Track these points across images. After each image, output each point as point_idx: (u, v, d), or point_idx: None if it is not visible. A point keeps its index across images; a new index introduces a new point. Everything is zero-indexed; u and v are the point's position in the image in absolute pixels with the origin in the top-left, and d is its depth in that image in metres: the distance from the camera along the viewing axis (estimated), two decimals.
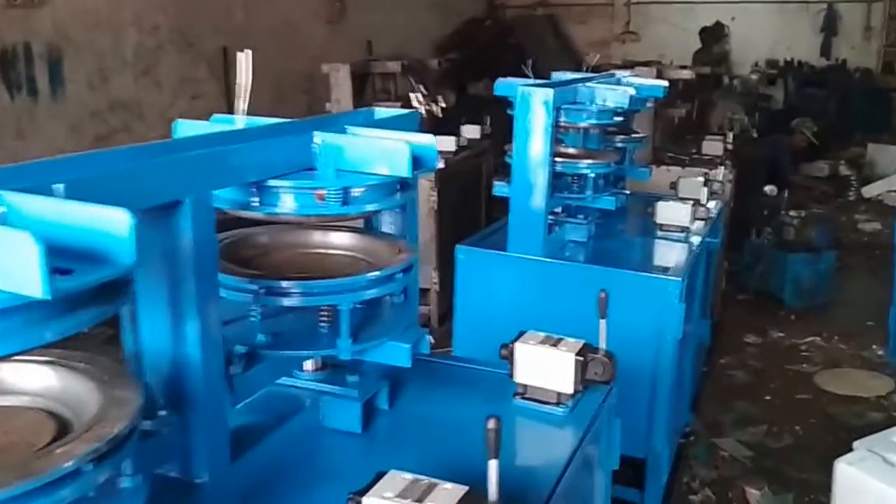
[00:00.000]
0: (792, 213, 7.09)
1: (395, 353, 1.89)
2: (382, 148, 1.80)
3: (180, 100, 9.17)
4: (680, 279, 3.39)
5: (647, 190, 5.06)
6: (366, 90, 6.41)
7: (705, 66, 9.69)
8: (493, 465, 1.37)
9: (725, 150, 6.93)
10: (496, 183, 3.84)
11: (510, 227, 3.59)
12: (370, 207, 1.83)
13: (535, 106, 3.43)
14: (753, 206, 7.31)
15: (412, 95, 6.18)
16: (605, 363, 2.10)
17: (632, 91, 3.81)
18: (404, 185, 1.88)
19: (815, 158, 12.43)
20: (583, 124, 3.77)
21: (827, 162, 12.67)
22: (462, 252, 3.69)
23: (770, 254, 7.04)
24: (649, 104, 4.76)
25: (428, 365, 2.33)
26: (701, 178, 4.70)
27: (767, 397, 5.23)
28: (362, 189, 1.80)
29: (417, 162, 1.85)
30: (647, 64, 7.28)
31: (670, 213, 4.15)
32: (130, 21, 8.27)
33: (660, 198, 4.35)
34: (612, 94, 3.75)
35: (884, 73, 14.92)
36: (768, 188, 7.13)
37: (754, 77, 12.52)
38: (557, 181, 3.77)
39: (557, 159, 3.71)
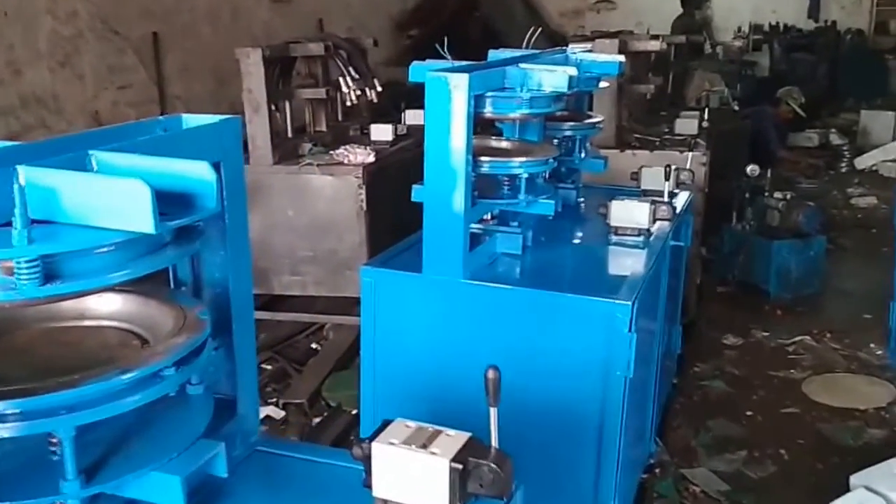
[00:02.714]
0: (777, 194, 6.52)
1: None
2: (107, 191, 1.21)
3: (105, 91, 8.54)
4: (629, 303, 2.81)
5: (609, 181, 4.50)
6: (292, 76, 5.80)
7: (685, 33, 9.06)
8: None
9: (701, 127, 6.35)
10: (415, 187, 3.24)
11: (424, 242, 3.01)
12: (96, 283, 1.24)
13: (447, 95, 2.84)
14: (734, 189, 6.73)
15: (341, 80, 5.57)
16: (496, 472, 1.52)
17: (572, 71, 3.21)
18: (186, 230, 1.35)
19: (804, 128, 11.85)
20: (514, 115, 3.17)
21: (816, 131, 12.11)
22: (368, 274, 3.11)
23: (752, 241, 6.48)
24: (604, 83, 4.16)
25: (263, 460, 1.78)
26: (671, 166, 4.14)
27: (748, 412, 4.68)
28: (89, 253, 1.22)
29: (183, 201, 1.28)
30: (614, 35, 6.64)
31: (626, 213, 3.59)
32: (44, 9, 7.59)
33: (615, 195, 3.79)
34: (549, 77, 3.16)
35: (877, 34, 14.38)
36: (750, 168, 6.55)
37: (737, 44, 11.89)
38: (484, 183, 3.21)
39: (483, 158, 3.12)
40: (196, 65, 9.02)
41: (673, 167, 4.18)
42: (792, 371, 5.17)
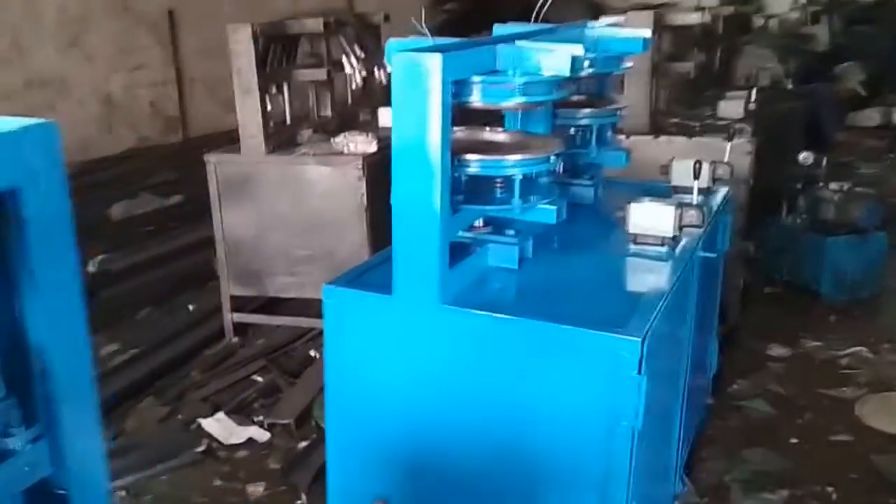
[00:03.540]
0: (832, 185, 5.89)
1: None
2: None
3: (118, 72, 8.17)
4: (638, 339, 2.30)
5: (641, 173, 3.97)
6: (296, 55, 5.33)
7: (731, 4, 8.40)
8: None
9: (747, 110, 5.74)
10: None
11: (394, 257, 2.52)
12: None
13: (418, 80, 2.33)
14: (785, 178, 6.12)
15: (345, 60, 5.08)
16: None
17: (577, 50, 2.68)
18: None
19: (864, 106, 11.08)
20: (506, 104, 2.65)
21: (878, 109, 11.33)
22: (331, 294, 2.63)
23: (804, 237, 5.87)
24: (629, 62, 3.62)
25: None
26: (701, 162, 3.60)
27: (793, 440, 4.13)
28: None
29: None
30: (645, 7, 6.05)
31: (647, 218, 3.07)
32: None
33: (638, 193, 3.27)
34: (548, 58, 2.63)
35: None
36: (803, 155, 5.93)
37: (794, 16, 11.13)
38: (473, 185, 2.71)
39: (468, 156, 2.62)
40: (217, 45, 8.60)
41: (707, 162, 3.63)
42: (844, 389, 4.59)
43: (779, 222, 6.09)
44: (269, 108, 4.99)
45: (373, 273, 2.72)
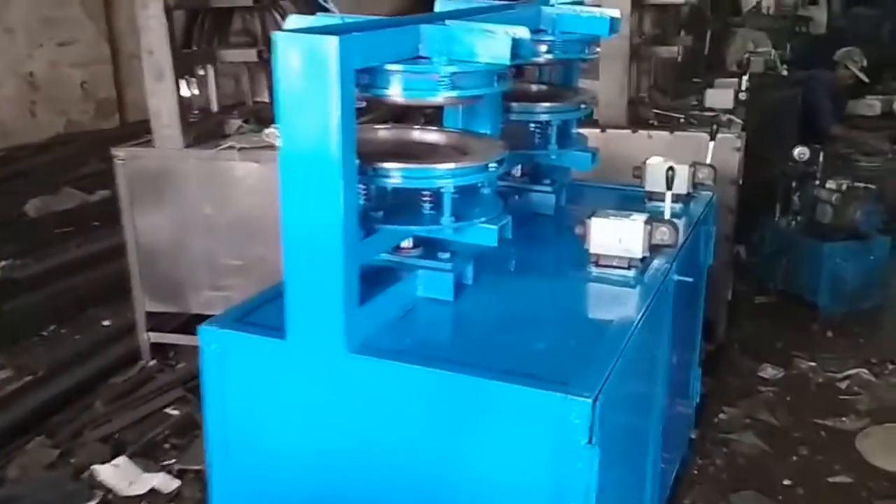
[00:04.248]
0: (830, 184, 5.47)
1: None
2: None
3: (42, 47, 7.66)
4: (589, 400, 1.87)
5: (619, 172, 3.56)
6: (228, 31, 4.87)
7: None
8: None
9: (738, 100, 5.33)
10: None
11: (286, 291, 2.08)
12: None
13: (309, 67, 1.89)
14: (778, 175, 5.71)
15: None
16: None
17: (521, 32, 2.25)
18: None
19: (864, 94, 10.69)
20: (432, 99, 2.21)
21: (879, 98, 10.94)
22: (209, 336, 2.19)
23: (799, 242, 5.47)
24: (595, 48, 3.20)
25: None
26: (679, 165, 3.20)
27: (786, 481, 3.73)
28: None
29: None
30: None
31: (610, 236, 2.64)
32: None
33: (605, 202, 2.87)
34: (485, 42, 2.19)
35: None
36: (798, 150, 5.52)
37: None
38: (396, 199, 2.29)
39: (385, 165, 2.19)
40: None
41: (686, 165, 3.22)
42: (843, 419, 4.19)
43: (772, 224, 5.69)
44: (192, 93, 4.55)
45: (267, 309, 2.28)
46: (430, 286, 2.40)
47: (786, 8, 10.45)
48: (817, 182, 5.57)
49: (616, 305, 2.47)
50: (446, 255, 2.41)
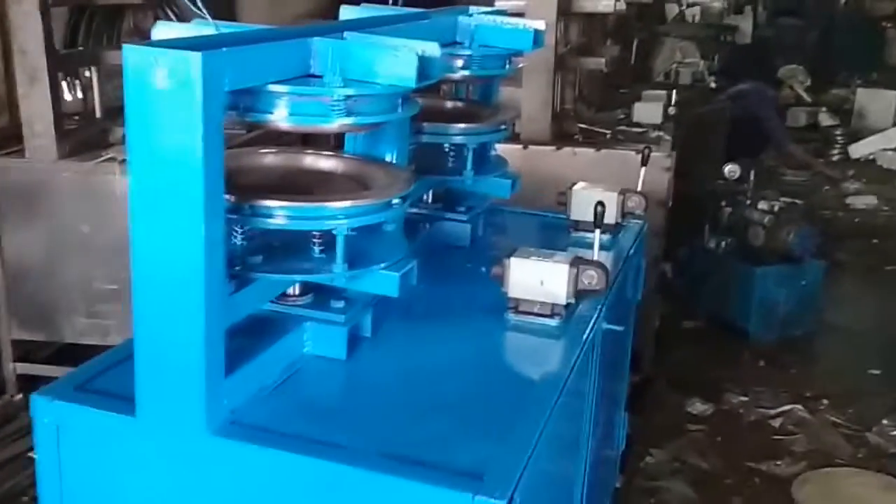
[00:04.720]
0: (761, 205, 5.30)
1: None
2: None
3: None
4: (503, 501, 1.56)
5: (536, 195, 3.30)
6: (119, 30, 4.49)
7: None
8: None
9: (666, 114, 5.12)
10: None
11: (136, 357, 1.73)
12: None
13: (168, 87, 1.54)
14: (706, 194, 5.52)
15: None
16: None
17: (430, 50, 1.94)
18: None
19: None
20: (326, 125, 1.88)
21: (804, 109, 10.97)
22: (44, 410, 1.82)
23: (729, 265, 5.28)
24: (519, 62, 2.92)
25: None
26: (608, 192, 2.94)
27: None
28: None
29: None
30: None
31: (531, 280, 2.33)
32: None
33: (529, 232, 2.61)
34: (387, 61, 1.87)
35: None
36: (728, 168, 5.32)
37: (716, 4, 10.62)
38: (280, 241, 1.95)
39: (268, 202, 1.85)
40: None
41: (615, 193, 2.96)
42: (778, 462, 3.99)
43: (700, 245, 5.49)
44: (76, 97, 4.16)
45: (116, 374, 1.92)
46: (320, 342, 2.07)
47: (711, 17, 10.38)
48: (748, 202, 5.40)
49: (537, 362, 2.19)
50: (340, 304, 2.08)
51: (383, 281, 2.00)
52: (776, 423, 4.33)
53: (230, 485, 1.73)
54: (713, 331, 5.27)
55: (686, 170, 5.35)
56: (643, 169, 3.18)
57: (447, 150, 2.83)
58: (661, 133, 4.74)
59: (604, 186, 3.05)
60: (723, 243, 5.40)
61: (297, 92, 1.82)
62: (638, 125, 4.94)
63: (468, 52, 2.68)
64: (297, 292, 2.10)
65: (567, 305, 2.34)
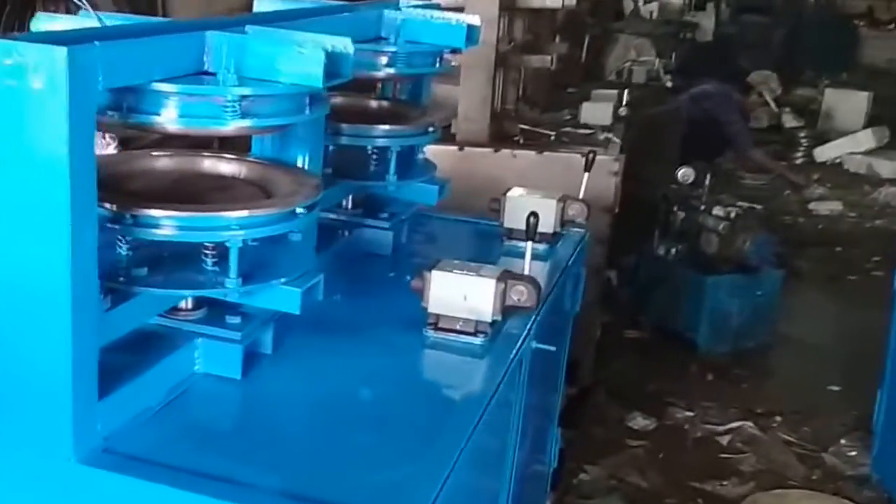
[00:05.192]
0: (717, 210, 5.29)
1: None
2: None
3: None
4: None
5: (471, 200, 3.22)
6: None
7: None
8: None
9: (616, 115, 5.08)
10: None
11: None
12: None
13: (30, 86, 1.46)
14: (657, 199, 5.50)
15: None
16: None
17: (342, 44, 1.87)
18: None
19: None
20: (221, 128, 1.81)
21: (766, 109, 11.05)
22: None
23: (679, 273, 5.26)
24: (453, 61, 2.87)
25: None
26: (546, 199, 2.90)
27: None
28: None
29: None
30: None
31: (453, 295, 2.27)
32: None
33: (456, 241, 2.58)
34: (291, 59, 1.80)
35: None
36: (682, 172, 5.31)
37: (676, 0, 10.66)
38: (170, 253, 1.87)
39: (153, 211, 1.76)
40: None
41: (552, 202, 2.91)
42: (724, 482, 3.97)
43: (649, 252, 5.47)
44: None
45: None
46: (213, 360, 1.98)
47: (670, 13, 10.41)
48: (703, 207, 5.39)
49: (456, 384, 2.13)
50: (236, 320, 2.00)
51: (284, 297, 1.93)
52: (724, 440, 4.32)
53: None
54: (659, 342, 5.27)
55: (637, 173, 5.34)
56: (586, 175, 3.13)
57: (370, 152, 2.76)
58: (608, 135, 4.71)
59: (541, 193, 3.01)
60: (673, 250, 5.38)
61: (185, 91, 1.74)
62: (586, 126, 4.90)
63: (393, 49, 2.62)
64: (189, 306, 2.02)
65: (493, 323, 2.27)
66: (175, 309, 2.00)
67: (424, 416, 1.99)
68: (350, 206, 2.85)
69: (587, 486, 3.85)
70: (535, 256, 2.75)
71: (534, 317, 2.40)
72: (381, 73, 2.66)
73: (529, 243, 2.39)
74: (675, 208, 5.42)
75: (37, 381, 1.58)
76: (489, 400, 2.02)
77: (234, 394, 1.98)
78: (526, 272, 2.35)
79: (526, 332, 2.35)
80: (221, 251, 1.87)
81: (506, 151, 4.29)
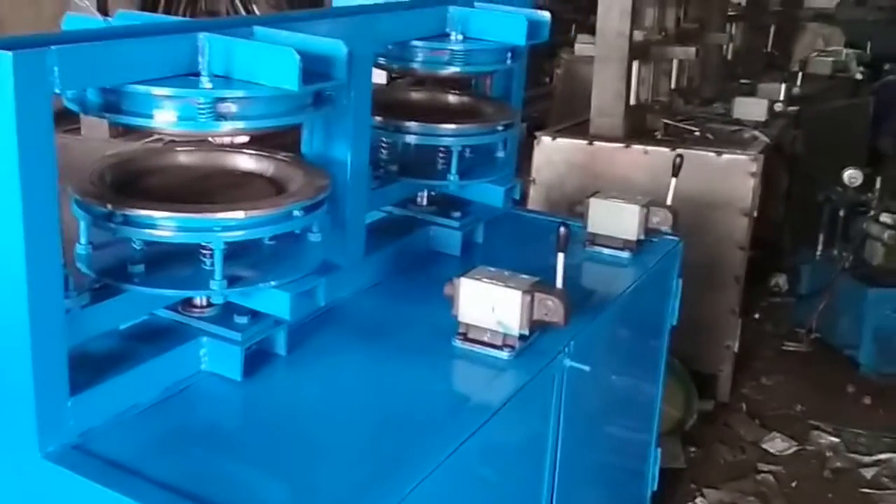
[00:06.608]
0: (884, 217, 4.90)
1: None
2: None
3: None
4: None
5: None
6: None
7: None
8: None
9: (772, 111, 4.81)
10: None
11: None
12: None
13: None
14: (822, 202, 5.15)
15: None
16: None
17: (331, 48, 1.86)
18: None
19: None
20: (210, 130, 1.84)
21: None
22: None
23: (842, 284, 4.91)
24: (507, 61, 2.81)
25: None
26: (629, 205, 2.79)
27: None
28: None
29: None
30: None
31: (479, 303, 2.21)
32: None
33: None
34: (264, 62, 1.81)
35: None
36: (848, 174, 4.94)
37: None
38: (164, 248, 1.93)
39: (147, 211, 1.81)
40: None
41: (636, 207, 2.79)
42: None
43: (812, 259, 5.14)
44: None
45: None
46: (216, 359, 2.01)
47: None
48: (872, 212, 5.01)
49: (465, 400, 2.07)
50: (243, 320, 2.02)
51: (273, 300, 1.94)
52: (868, 472, 4.00)
53: None
54: (817, 356, 4.95)
55: (809, 172, 5.06)
56: (673, 179, 2.97)
57: (438, 151, 2.73)
58: (756, 133, 4.45)
59: (626, 197, 2.88)
60: (841, 257, 5.02)
61: (174, 96, 1.78)
62: (738, 122, 4.66)
63: (453, 47, 2.57)
64: (203, 303, 2.06)
65: (522, 336, 2.20)
66: (191, 305, 2.05)
67: (413, 428, 1.94)
68: (425, 202, 2.83)
69: None
70: (613, 264, 2.67)
71: (572, 333, 2.29)
72: (445, 72, 2.62)
73: (561, 255, 2.27)
74: (841, 213, 5.06)
75: (3, 374, 1.66)
76: (489, 418, 1.95)
77: (233, 395, 2.00)
78: (558, 285, 2.24)
79: (561, 349, 2.25)
80: (213, 252, 1.90)
81: (637, 147, 4.15)
